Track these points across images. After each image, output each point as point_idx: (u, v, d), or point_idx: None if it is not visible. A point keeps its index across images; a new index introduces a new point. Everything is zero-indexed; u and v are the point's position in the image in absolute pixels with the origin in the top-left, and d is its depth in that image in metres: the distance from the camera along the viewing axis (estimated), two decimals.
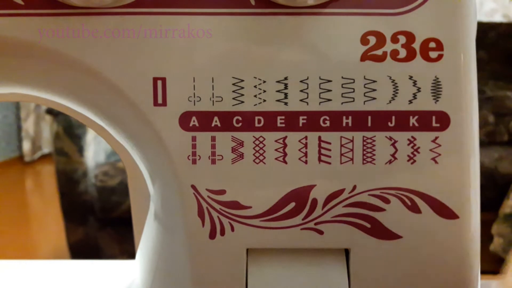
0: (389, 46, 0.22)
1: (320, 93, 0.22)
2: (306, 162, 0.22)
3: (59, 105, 0.24)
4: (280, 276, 0.23)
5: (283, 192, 0.22)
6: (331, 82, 0.22)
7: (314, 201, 0.22)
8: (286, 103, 0.22)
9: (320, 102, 0.22)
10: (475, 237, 0.23)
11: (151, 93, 0.22)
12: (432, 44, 0.22)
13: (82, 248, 1.34)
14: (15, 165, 2.70)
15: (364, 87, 0.22)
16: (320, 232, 0.23)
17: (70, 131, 1.30)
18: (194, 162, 0.22)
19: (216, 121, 0.22)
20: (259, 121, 0.22)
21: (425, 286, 0.23)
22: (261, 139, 0.22)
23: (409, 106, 0.22)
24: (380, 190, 0.22)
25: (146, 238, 0.26)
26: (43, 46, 0.22)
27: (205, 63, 0.22)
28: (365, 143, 0.22)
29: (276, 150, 0.22)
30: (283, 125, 0.22)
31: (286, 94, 0.22)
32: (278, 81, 0.22)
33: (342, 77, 0.22)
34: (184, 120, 0.22)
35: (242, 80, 0.22)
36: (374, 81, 0.22)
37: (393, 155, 0.22)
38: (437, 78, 0.22)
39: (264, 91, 0.22)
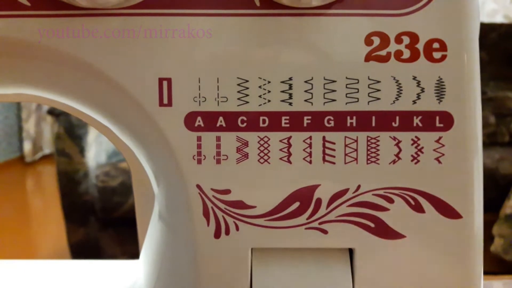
0: (393, 47, 0.22)
1: (324, 93, 0.22)
2: (310, 162, 0.22)
3: (65, 105, 0.25)
4: (284, 276, 0.23)
5: (288, 192, 0.22)
6: (335, 83, 0.22)
7: (319, 201, 0.22)
8: (290, 103, 0.22)
9: (324, 102, 0.22)
10: (479, 236, 0.23)
11: (156, 93, 0.22)
12: (436, 45, 0.22)
13: (83, 249, 1.34)
14: (16, 166, 2.70)
15: (368, 87, 0.22)
16: (324, 232, 0.23)
17: (71, 131, 1.30)
18: (199, 162, 0.22)
19: (221, 121, 0.22)
20: (264, 121, 0.22)
21: (428, 285, 0.23)
22: (265, 139, 0.22)
23: (413, 106, 0.22)
24: (384, 189, 0.22)
25: (150, 238, 0.27)
26: (48, 47, 0.22)
27: (210, 63, 0.22)
28: (369, 143, 0.22)
29: (280, 150, 0.22)
30: (288, 125, 0.22)
31: (290, 95, 0.22)
32: (282, 82, 0.22)
33: (347, 78, 0.22)
34: (190, 120, 0.22)
35: (247, 81, 0.22)
36: (378, 82, 0.22)
37: (397, 155, 0.22)
38: (441, 79, 0.22)
39: (269, 92, 0.22)
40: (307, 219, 0.23)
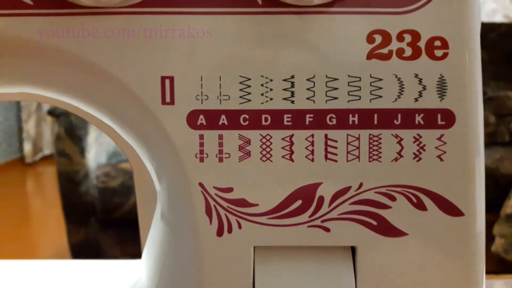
0: (395, 45, 0.22)
1: (326, 91, 0.22)
2: (312, 160, 0.22)
3: (68, 105, 0.25)
4: (286, 274, 0.23)
5: (290, 190, 0.23)
6: (337, 81, 0.22)
7: (321, 199, 0.22)
8: (292, 101, 0.22)
9: (326, 100, 0.22)
10: (481, 234, 0.23)
11: (159, 92, 0.22)
12: (437, 43, 0.22)
13: (83, 249, 1.35)
14: (16, 167, 2.70)
15: (370, 85, 0.22)
16: (327, 230, 0.23)
17: (71, 132, 1.30)
18: (201, 160, 0.22)
19: (223, 120, 0.22)
20: (266, 119, 0.22)
21: (430, 283, 0.23)
22: (268, 137, 0.22)
23: (414, 104, 0.22)
24: (386, 187, 0.22)
25: (153, 237, 0.27)
26: (51, 45, 0.22)
27: (212, 62, 0.22)
28: (371, 141, 0.22)
29: (282, 148, 0.22)
30: (290, 123, 0.22)
31: (292, 93, 0.22)
32: (284, 80, 0.22)
33: (349, 76, 0.22)
34: (192, 118, 0.22)
35: (249, 79, 0.22)
36: (380, 79, 0.22)
37: (399, 153, 0.22)
38: (442, 76, 0.22)
39: (271, 90, 0.22)
40: (309, 217, 0.23)
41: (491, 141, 1.46)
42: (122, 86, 0.22)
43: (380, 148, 0.22)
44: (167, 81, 0.22)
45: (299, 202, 0.23)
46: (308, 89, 0.22)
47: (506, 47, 1.73)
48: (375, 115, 0.22)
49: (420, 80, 0.22)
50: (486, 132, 1.47)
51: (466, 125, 0.22)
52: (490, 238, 1.21)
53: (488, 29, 1.71)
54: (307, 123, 0.22)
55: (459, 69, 0.22)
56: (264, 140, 0.22)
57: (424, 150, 0.22)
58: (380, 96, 0.22)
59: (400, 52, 0.22)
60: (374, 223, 0.23)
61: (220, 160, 0.22)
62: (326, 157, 0.22)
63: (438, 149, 0.22)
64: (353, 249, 0.23)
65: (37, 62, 0.23)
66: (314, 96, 0.22)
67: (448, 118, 0.22)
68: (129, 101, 0.23)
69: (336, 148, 0.22)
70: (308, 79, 0.22)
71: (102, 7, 0.22)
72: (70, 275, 0.32)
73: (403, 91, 0.22)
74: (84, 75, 0.23)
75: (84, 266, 0.33)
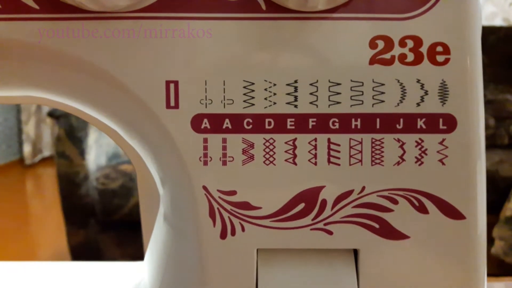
0: (397, 50, 0.22)
1: (329, 96, 0.22)
2: (315, 163, 0.23)
3: (72, 108, 0.25)
4: (289, 276, 0.23)
5: (293, 193, 0.23)
6: (340, 85, 0.22)
7: (324, 202, 0.23)
8: (296, 106, 0.22)
9: (329, 105, 0.22)
10: (482, 237, 0.23)
11: (163, 96, 0.22)
12: (439, 48, 0.22)
13: (83, 251, 1.34)
14: (15, 168, 2.70)
15: (373, 90, 0.22)
16: (330, 233, 0.23)
17: (71, 134, 1.30)
18: (205, 163, 0.23)
19: (227, 123, 0.22)
20: (270, 123, 0.22)
21: (432, 286, 0.23)
22: (271, 140, 0.23)
23: (416, 109, 0.22)
24: (388, 191, 0.23)
25: (156, 239, 0.27)
26: (56, 49, 0.22)
27: (216, 66, 0.22)
28: (373, 145, 0.22)
29: (286, 151, 0.23)
30: (293, 127, 0.22)
31: (296, 97, 0.22)
32: (288, 84, 0.22)
33: (351, 80, 0.22)
34: (196, 122, 0.22)
35: (253, 83, 0.22)
36: (383, 84, 0.22)
37: (401, 157, 0.22)
38: (444, 81, 0.22)
39: (275, 94, 0.22)
40: (312, 220, 0.23)
41: (490, 144, 1.46)
42: (126, 90, 0.23)
43: (382, 152, 0.22)
44: (172, 85, 0.22)
45: (302, 205, 0.23)
46: (311, 93, 0.22)
47: (505, 50, 1.73)
48: (378, 120, 0.22)
49: (422, 85, 0.22)
50: (485, 135, 1.47)
51: (468, 130, 0.22)
52: (489, 241, 1.22)
53: (487, 32, 1.72)
54: (310, 127, 0.22)
55: (461, 74, 0.22)
56: (267, 144, 0.23)
57: (426, 154, 0.22)
58: (383, 101, 0.22)
59: (402, 58, 0.22)
60: (377, 226, 0.23)
61: (224, 163, 0.23)
62: (329, 161, 0.23)
63: (440, 153, 0.22)
64: (355, 252, 0.24)
65: (42, 66, 0.24)
66: (317, 100, 0.22)
67: (450, 123, 0.22)
68: (133, 105, 0.23)
69: (339, 152, 0.22)
70: (311, 84, 0.22)
71: (107, 12, 0.22)
72: (71, 277, 0.32)
73: (405, 96, 0.22)
74: (89, 79, 0.23)
75: (84, 268, 0.33)
